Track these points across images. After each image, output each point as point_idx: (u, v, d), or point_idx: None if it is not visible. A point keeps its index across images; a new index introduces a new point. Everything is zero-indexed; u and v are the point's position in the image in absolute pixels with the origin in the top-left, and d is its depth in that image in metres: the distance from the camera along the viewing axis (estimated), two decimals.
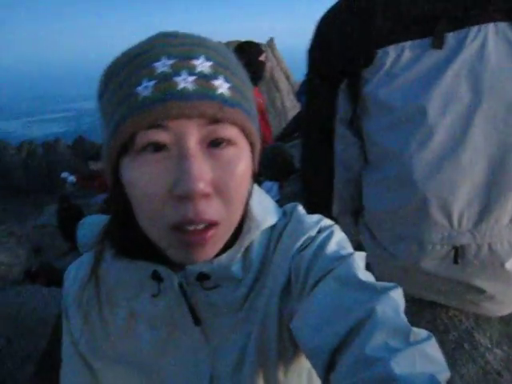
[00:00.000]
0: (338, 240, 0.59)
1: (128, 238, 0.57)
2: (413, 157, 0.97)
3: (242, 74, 0.54)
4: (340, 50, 1.07)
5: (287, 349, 0.60)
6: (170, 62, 0.47)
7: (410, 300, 1.24)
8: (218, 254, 0.56)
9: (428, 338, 0.46)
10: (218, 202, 0.49)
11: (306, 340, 0.52)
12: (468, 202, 0.97)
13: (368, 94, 1.03)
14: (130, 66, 0.49)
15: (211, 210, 0.48)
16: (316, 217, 0.63)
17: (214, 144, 0.49)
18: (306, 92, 1.28)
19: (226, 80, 0.49)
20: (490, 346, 1.14)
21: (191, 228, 0.48)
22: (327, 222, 0.62)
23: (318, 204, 1.26)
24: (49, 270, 4.42)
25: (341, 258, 0.55)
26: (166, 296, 0.59)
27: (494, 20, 0.93)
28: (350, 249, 0.59)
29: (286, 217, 0.64)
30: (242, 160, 0.50)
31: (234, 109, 0.48)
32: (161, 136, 0.47)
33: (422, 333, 0.47)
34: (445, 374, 0.44)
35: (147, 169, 0.48)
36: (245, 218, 0.58)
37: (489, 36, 0.94)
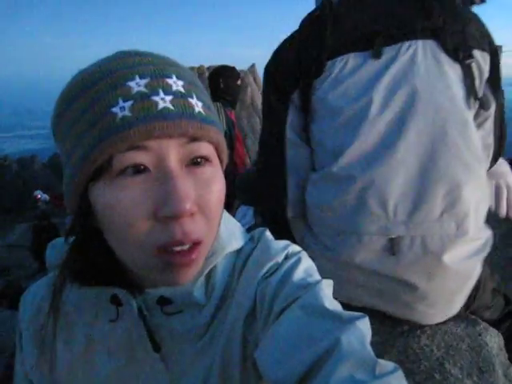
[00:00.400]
0: (305, 267, 0.58)
1: (88, 263, 0.55)
2: (352, 151, 1.09)
3: (208, 95, 0.55)
4: (295, 64, 1.20)
5: (251, 378, 0.57)
6: (144, 80, 0.46)
7: (382, 329, 1.23)
8: None
9: (394, 371, 0.45)
10: (202, 220, 0.48)
11: (269, 371, 0.49)
12: (402, 194, 1.07)
13: (318, 100, 1.16)
14: (100, 85, 0.47)
15: (197, 228, 0.47)
16: (283, 243, 0.61)
17: (194, 162, 0.48)
18: (262, 108, 1.36)
19: (198, 98, 0.49)
20: (460, 376, 1.13)
21: (178, 249, 0.47)
22: (295, 248, 0.61)
23: (275, 210, 1.33)
24: (16, 290, 4.28)
25: (307, 286, 0.54)
26: (125, 321, 0.57)
27: (422, 38, 1.11)
28: (317, 276, 0.58)
29: (252, 242, 0.62)
30: (218, 177, 0.51)
31: (210, 126, 0.49)
32: (141, 157, 0.46)
33: (388, 365, 0.46)
34: None
35: (128, 193, 0.46)
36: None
37: (418, 50, 1.11)
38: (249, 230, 1.48)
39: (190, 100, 0.48)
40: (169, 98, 0.46)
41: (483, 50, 1.13)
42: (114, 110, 0.45)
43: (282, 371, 0.48)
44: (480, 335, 1.23)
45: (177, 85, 0.48)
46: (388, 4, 1.17)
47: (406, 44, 1.11)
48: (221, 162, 0.54)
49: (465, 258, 1.10)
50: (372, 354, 0.47)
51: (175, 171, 0.46)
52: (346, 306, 0.54)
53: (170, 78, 0.48)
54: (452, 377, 1.13)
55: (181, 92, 0.47)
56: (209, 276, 0.58)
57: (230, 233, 0.61)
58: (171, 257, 0.47)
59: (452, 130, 1.07)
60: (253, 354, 0.53)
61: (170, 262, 0.47)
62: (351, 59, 1.13)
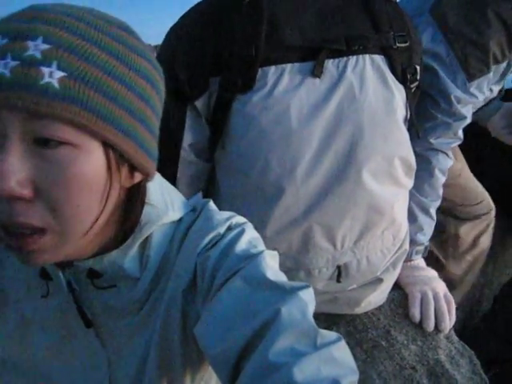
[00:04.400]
0: (249, 238, 0.56)
1: None
2: (298, 191, 0.95)
3: (114, 62, 0.44)
4: (209, 62, 0.94)
5: (192, 354, 0.56)
6: (4, 41, 0.40)
7: None
8: (109, 250, 0.51)
9: (336, 341, 0.45)
10: (42, 208, 0.43)
11: (208, 348, 0.48)
12: (351, 226, 1.02)
13: (243, 116, 0.94)
14: None
15: (30, 214, 0.42)
16: (227, 214, 0.59)
17: (41, 142, 0.42)
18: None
19: (61, 67, 0.40)
20: (405, 342, 1.17)
21: (17, 232, 0.43)
22: (239, 219, 0.59)
23: None
24: None
25: (250, 257, 0.52)
26: (56, 296, 0.54)
27: (370, 53, 0.97)
28: (261, 247, 0.56)
29: (194, 212, 0.59)
30: (78, 163, 0.43)
31: (60, 102, 0.40)
32: None
33: (329, 335, 0.45)
34: (351, 378, 0.42)
35: None
36: (140, 211, 0.53)
37: (367, 66, 0.96)
38: None
39: (43, 68, 0.40)
40: (13, 63, 0.39)
41: (419, 63, 1.06)
42: None
43: (220, 347, 0.46)
44: None
45: (36, 49, 0.40)
46: (334, 6, 0.98)
47: (353, 59, 0.96)
48: (105, 143, 0.45)
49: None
50: (314, 324, 0.46)
51: (9, 146, 0.41)
52: None
53: (34, 40, 0.40)
54: (398, 343, 1.17)
55: (33, 58, 0.40)
56: (143, 248, 0.55)
57: (168, 202, 0.57)
58: (9, 238, 0.44)
59: (397, 162, 1.02)
60: (193, 328, 0.52)
61: (8, 243, 0.44)
62: (287, 71, 0.93)
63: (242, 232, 0.56)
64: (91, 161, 0.44)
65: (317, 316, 0.51)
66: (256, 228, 0.61)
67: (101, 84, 0.42)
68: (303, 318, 0.46)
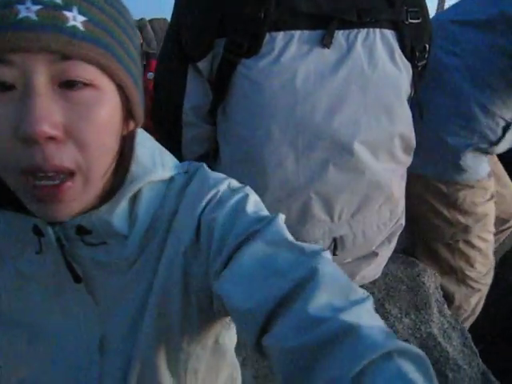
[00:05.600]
0: (255, 201, 0.57)
1: (3, 188, 0.50)
2: (299, 161, 0.95)
3: (116, 14, 0.47)
4: (215, 25, 0.92)
5: (192, 316, 0.56)
6: None
7: None
8: (97, 207, 0.52)
9: (368, 298, 0.45)
10: (72, 149, 0.44)
11: (236, 306, 0.48)
12: (349, 199, 1.01)
13: (248, 81, 0.92)
14: None
15: (63, 155, 0.43)
16: (222, 175, 0.59)
17: (68, 85, 0.43)
18: (159, 70, 1.09)
19: (82, 12, 0.43)
20: (399, 315, 1.19)
21: (42, 179, 0.44)
22: (236, 182, 0.59)
23: None
24: None
25: (264, 219, 0.53)
26: (49, 252, 0.54)
27: (381, 27, 0.96)
28: (266, 211, 0.57)
29: (187, 174, 0.60)
30: (102, 104, 0.45)
31: (88, 44, 0.42)
32: (5, 72, 0.41)
33: (361, 291, 0.46)
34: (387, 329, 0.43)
35: None
36: (128, 168, 0.54)
37: (377, 40, 0.95)
38: None
39: (66, 13, 0.41)
40: (36, 7, 0.40)
41: (429, 42, 1.05)
42: None
43: (251, 302, 0.46)
44: (418, 276, 1.29)
45: None
46: None
47: (364, 31, 0.94)
48: (119, 87, 0.48)
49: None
50: (348, 280, 0.47)
51: (37, 89, 0.42)
52: None
53: None
54: (392, 316, 1.19)
55: (55, 3, 0.41)
56: (132, 205, 0.55)
57: (157, 162, 0.57)
58: (35, 189, 0.44)
59: (397, 139, 1.02)
60: (197, 287, 0.53)
61: (34, 193, 0.45)
62: (296, 39, 0.91)
63: (247, 195, 0.56)
64: (111, 102, 0.46)
65: None
66: None
67: (113, 31, 0.45)
68: (339, 274, 0.47)
